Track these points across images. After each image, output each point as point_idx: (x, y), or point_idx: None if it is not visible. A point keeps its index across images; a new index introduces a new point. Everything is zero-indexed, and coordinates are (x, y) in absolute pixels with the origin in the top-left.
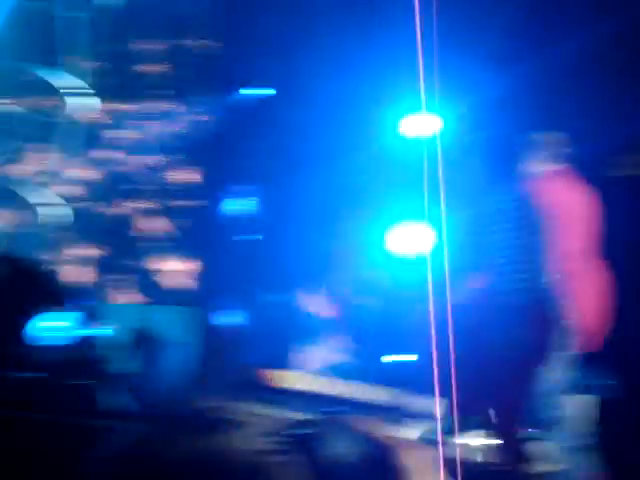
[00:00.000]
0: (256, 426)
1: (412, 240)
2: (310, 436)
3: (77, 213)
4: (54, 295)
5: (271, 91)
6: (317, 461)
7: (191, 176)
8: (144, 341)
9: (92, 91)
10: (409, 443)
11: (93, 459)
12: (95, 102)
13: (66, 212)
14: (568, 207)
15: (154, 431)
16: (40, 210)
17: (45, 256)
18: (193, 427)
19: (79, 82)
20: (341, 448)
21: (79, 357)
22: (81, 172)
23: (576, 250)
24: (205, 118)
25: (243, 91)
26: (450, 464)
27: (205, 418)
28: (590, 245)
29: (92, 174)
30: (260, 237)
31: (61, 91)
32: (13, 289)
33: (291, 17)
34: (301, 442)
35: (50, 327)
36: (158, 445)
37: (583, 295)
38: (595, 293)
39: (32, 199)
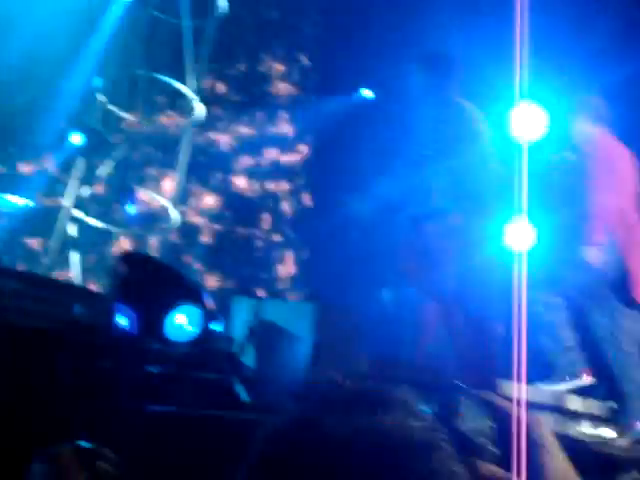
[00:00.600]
0: (405, 406)
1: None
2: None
3: (194, 228)
4: (182, 292)
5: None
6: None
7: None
8: (259, 334)
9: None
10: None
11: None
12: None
13: (178, 221)
14: (625, 166)
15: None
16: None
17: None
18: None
19: (197, 98)
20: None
21: (205, 351)
22: (202, 197)
23: (628, 205)
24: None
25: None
26: None
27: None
28: (636, 202)
29: (211, 198)
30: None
31: (179, 106)
32: (145, 286)
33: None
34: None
35: (180, 323)
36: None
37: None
38: None
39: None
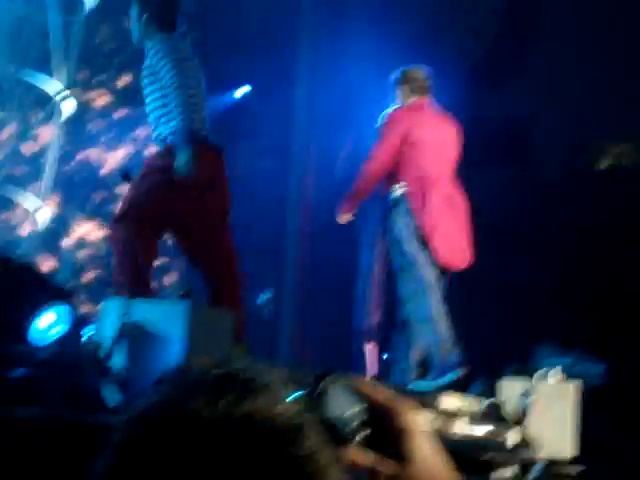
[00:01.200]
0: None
1: None
2: None
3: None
4: (45, 293)
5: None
6: None
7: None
8: (130, 336)
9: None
10: None
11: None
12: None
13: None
14: (432, 135)
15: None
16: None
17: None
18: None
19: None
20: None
21: (72, 354)
22: (82, 223)
23: (438, 173)
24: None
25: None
26: None
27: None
28: (449, 169)
29: (92, 224)
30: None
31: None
32: (7, 288)
33: None
34: None
35: (43, 326)
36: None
37: (440, 215)
38: (454, 213)
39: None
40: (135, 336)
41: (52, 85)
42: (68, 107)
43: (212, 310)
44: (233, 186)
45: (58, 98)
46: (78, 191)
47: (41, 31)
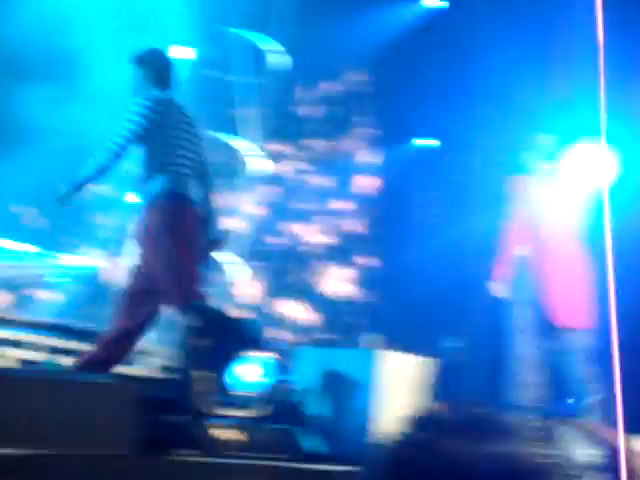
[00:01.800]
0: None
1: None
2: None
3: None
4: (248, 342)
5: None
6: None
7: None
8: (332, 384)
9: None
10: None
11: None
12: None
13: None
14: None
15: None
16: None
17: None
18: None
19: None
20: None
21: (275, 401)
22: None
23: (562, 236)
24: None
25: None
26: None
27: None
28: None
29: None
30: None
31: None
32: (210, 336)
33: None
34: None
35: (246, 373)
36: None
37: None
38: (560, 274)
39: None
40: (328, 383)
41: (242, 144)
42: (259, 166)
43: (404, 357)
44: None
45: (250, 156)
46: (274, 264)
47: (226, 94)
